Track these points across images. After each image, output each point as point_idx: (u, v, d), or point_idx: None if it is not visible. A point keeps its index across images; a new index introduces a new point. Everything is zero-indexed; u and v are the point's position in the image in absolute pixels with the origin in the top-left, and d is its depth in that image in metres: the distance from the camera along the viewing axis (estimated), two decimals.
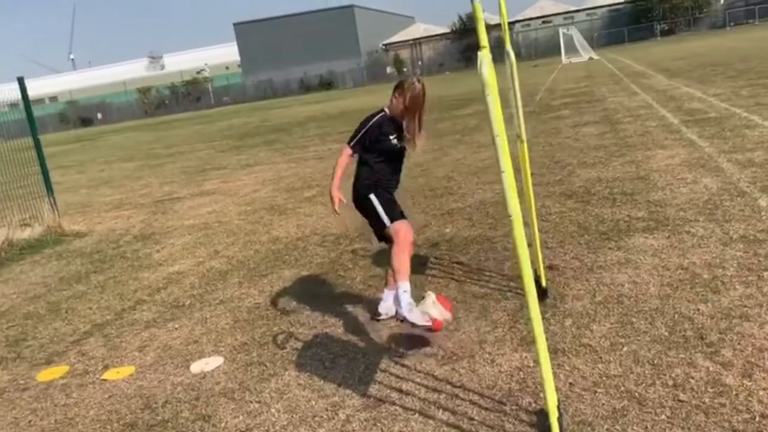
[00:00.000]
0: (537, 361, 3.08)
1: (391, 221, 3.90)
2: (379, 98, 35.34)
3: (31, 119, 8.73)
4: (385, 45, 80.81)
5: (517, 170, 3.44)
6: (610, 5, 75.83)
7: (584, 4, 78.39)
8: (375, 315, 4.18)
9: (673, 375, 3.01)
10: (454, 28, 75.29)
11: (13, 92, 8.62)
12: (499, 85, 2.35)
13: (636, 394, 2.90)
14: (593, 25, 71.86)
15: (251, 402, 3.35)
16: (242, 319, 4.55)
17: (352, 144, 3.95)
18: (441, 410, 3.01)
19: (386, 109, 3.99)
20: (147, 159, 18.94)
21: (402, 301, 3.59)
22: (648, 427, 2.65)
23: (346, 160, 3.98)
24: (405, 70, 74.77)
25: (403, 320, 3.62)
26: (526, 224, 3.18)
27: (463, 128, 14.19)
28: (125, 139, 31.99)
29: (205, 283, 5.55)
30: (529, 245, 3.05)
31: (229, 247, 6.66)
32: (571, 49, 44.63)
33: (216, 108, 66.87)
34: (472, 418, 2.90)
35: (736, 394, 2.79)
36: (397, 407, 3.09)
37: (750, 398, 2.74)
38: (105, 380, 3.90)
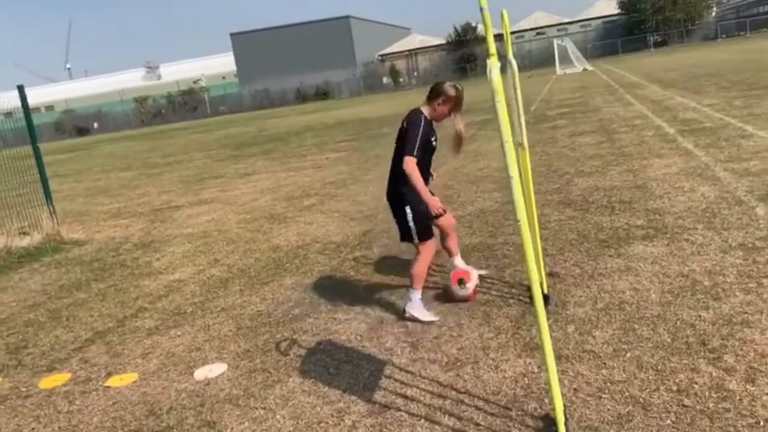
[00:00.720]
0: (542, 367, 3.11)
1: (420, 240, 4.17)
2: (375, 108, 35.40)
3: (30, 127, 8.74)
4: (381, 55, 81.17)
5: (520, 177, 3.54)
6: (603, 17, 76.50)
7: (578, 16, 79.03)
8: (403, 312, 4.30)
9: (676, 380, 3.03)
10: (449, 40, 75.76)
11: (9, 101, 8.63)
12: None
13: (641, 399, 2.93)
14: (587, 37, 72.41)
15: (256, 408, 3.35)
16: (245, 327, 4.56)
17: (415, 153, 3.98)
18: (447, 416, 3.02)
19: (424, 112, 4.14)
20: (144, 168, 18.94)
21: (413, 302, 4.19)
22: None
23: (416, 169, 3.97)
24: (401, 80, 75.09)
25: (411, 318, 4.17)
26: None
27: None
28: (122, 148, 31.97)
29: (206, 291, 5.56)
30: None
31: (230, 255, 6.67)
32: (566, 60, 44.93)
33: (213, 117, 66.93)
34: (478, 424, 2.92)
35: (740, 399, 2.81)
36: (403, 413, 3.10)
37: (754, 403, 2.77)
38: (108, 387, 3.90)
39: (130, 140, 40.42)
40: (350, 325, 4.29)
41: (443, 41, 77.25)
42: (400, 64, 79.39)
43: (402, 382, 3.42)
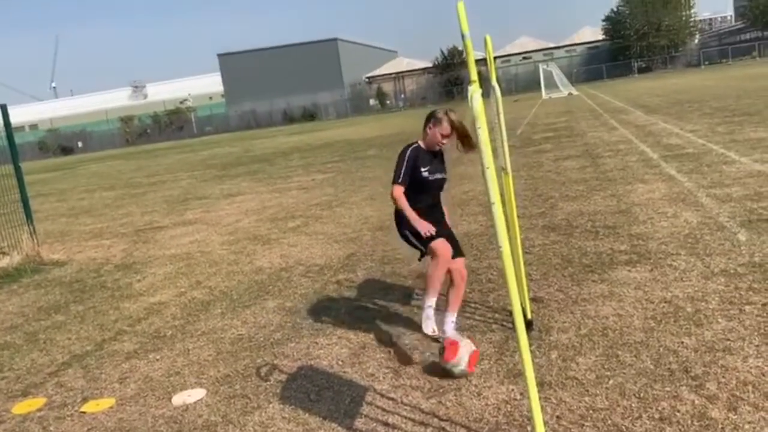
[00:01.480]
0: (525, 394, 3.07)
1: (427, 244, 4.00)
2: (362, 130, 35.52)
3: (12, 146, 8.65)
4: (368, 78, 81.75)
5: (503, 202, 3.53)
6: (588, 42, 77.75)
7: (563, 41, 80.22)
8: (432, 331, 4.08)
9: (659, 408, 3.01)
10: (436, 63, 76.55)
11: None
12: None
13: (623, 427, 2.90)
14: (572, 62, 73.49)
15: None
16: (225, 351, 4.49)
17: (399, 181, 4.02)
18: None
19: (419, 142, 4.16)
20: (128, 188, 18.82)
21: (425, 312, 4.05)
22: None
23: (403, 197, 4.01)
24: (388, 102, 75.56)
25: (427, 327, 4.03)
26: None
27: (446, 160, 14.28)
28: (106, 168, 31.78)
29: (187, 314, 5.48)
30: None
31: (212, 278, 6.60)
32: (551, 84, 45.51)
33: (199, 138, 66.82)
34: None
35: (722, 428, 2.79)
36: None
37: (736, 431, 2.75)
38: (84, 413, 3.81)
39: (115, 160, 40.22)
40: (332, 350, 4.24)
41: (430, 64, 78.04)
42: (387, 87, 79.97)
43: (383, 409, 3.37)
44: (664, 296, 4.38)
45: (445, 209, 4.38)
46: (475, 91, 2.28)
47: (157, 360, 4.51)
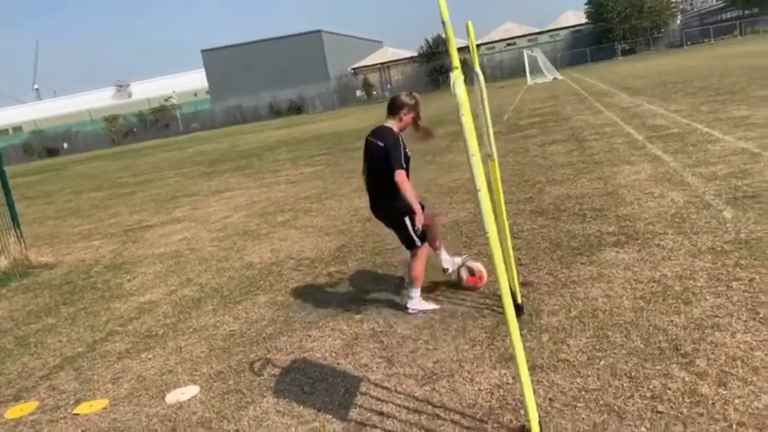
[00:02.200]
0: (517, 378, 3.09)
1: (421, 243, 4.42)
2: (349, 121, 35.30)
3: None
4: (354, 69, 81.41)
5: (489, 189, 3.58)
6: (572, 26, 77.75)
7: (547, 26, 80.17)
8: (444, 271, 4.76)
9: (650, 387, 3.04)
10: (421, 52, 76.31)
11: None
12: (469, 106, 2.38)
13: (615, 407, 2.93)
14: (557, 46, 73.48)
15: (229, 431, 3.29)
16: (218, 347, 4.48)
17: (403, 166, 4.25)
18: (422, 431, 2.99)
19: (393, 127, 4.35)
20: (115, 188, 18.69)
21: (415, 299, 4.45)
22: None
23: (407, 181, 4.26)
24: (374, 93, 75.32)
25: (416, 311, 4.42)
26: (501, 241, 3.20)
27: (434, 149, 14.29)
28: (93, 169, 31.54)
29: (178, 312, 5.46)
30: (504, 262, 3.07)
31: (202, 275, 6.58)
32: (536, 70, 45.48)
33: (185, 135, 66.40)
34: None
35: (713, 404, 2.82)
36: (379, 430, 3.06)
37: (726, 407, 2.78)
38: (77, 415, 3.80)
39: (101, 160, 39.91)
40: (325, 342, 4.25)
41: (415, 53, 77.81)
42: (373, 77, 79.70)
43: (378, 399, 3.38)
44: (653, 276, 4.41)
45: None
46: (457, 77, 2.27)
47: (150, 359, 4.50)
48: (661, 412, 2.82)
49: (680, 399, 2.90)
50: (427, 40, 75.38)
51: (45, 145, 75.13)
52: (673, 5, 75.53)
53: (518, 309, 4.18)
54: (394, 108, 4.35)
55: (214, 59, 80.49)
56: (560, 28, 78.67)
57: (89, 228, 11.28)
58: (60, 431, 3.63)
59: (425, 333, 4.11)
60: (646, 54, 64.84)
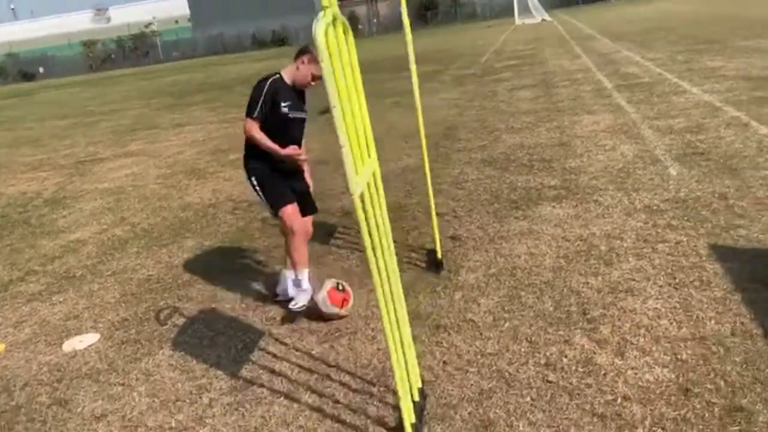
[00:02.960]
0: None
1: (277, 208, 3.60)
2: None
3: None
4: (340, 1, 79.02)
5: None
6: None
7: None
8: (273, 296, 3.93)
9: (547, 354, 2.94)
10: None
11: None
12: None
13: (506, 374, 2.82)
14: None
15: (115, 385, 3.16)
16: (130, 293, 4.33)
17: (255, 115, 3.53)
18: (309, 393, 2.88)
19: (283, 74, 3.65)
20: (81, 116, 18.14)
21: (302, 288, 3.66)
22: (510, 410, 2.57)
23: (257, 130, 3.54)
24: (360, 27, 73.42)
25: (296, 304, 3.61)
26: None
27: (405, 90, 13.90)
28: (64, 95, 30.65)
29: (102, 253, 5.28)
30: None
31: (137, 214, 6.37)
32: (525, 10, 44.36)
33: (165, 63, 64.64)
34: (337, 401, 2.78)
35: (605, 374, 2.73)
36: (265, 389, 2.95)
37: (617, 379, 2.68)
38: None
39: (76, 86, 38.77)
40: (238, 293, 4.10)
41: None
42: (360, 11, 77.55)
43: (273, 355, 3.26)
44: (581, 234, 4.28)
45: (306, 165, 3.82)
46: (324, 17, 2.02)
47: (60, 302, 4.34)
48: (551, 382, 2.72)
49: (573, 368, 2.80)
50: None
51: (20, 68, 72.82)
52: None
53: (438, 265, 4.06)
54: (298, 53, 3.65)
55: None
56: None
57: (41, 159, 10.93)
58: None
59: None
60: None
